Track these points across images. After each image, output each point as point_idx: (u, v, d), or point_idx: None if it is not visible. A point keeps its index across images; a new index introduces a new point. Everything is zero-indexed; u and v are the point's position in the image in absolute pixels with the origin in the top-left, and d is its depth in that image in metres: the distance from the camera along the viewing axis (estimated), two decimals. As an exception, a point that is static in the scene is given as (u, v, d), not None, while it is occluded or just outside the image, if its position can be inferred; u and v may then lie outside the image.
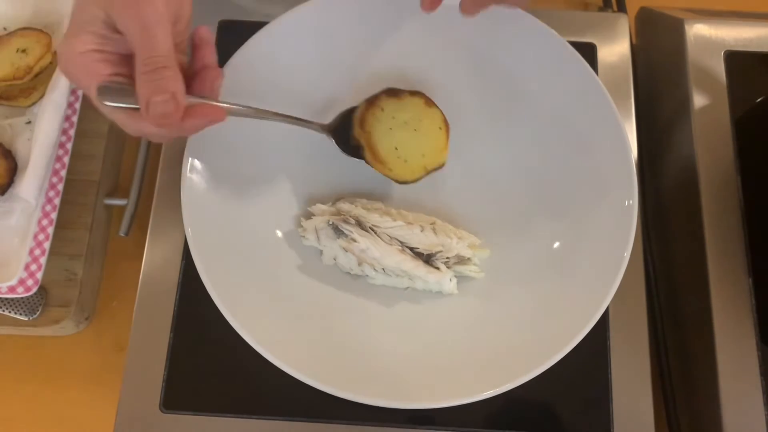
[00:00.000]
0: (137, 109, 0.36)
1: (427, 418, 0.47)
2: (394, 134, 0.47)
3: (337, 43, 0.50)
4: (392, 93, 0.48)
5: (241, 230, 0.47)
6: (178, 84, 0.36)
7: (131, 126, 0.38)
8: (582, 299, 0.44)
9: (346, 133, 0.48)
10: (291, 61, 0.50)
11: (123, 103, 0.37)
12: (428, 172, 0.47)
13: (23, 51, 0.55)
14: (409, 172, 0.47)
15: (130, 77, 0.37)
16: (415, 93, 0.49)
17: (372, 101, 0.48)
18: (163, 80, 0.35)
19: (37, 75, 0.55)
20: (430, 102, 0.48)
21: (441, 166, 0.48)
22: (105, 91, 0.36)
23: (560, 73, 0.49)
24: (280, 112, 0.44)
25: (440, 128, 0.48)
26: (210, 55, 0.41)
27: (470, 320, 0.46)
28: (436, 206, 0.50)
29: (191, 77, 0.40)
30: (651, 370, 0.48)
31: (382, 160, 0.47)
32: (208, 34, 0.41)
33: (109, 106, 0.37)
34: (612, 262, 0.44)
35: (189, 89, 0.38)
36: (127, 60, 0.37)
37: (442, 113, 0.48)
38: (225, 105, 0.40)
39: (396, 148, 0.47)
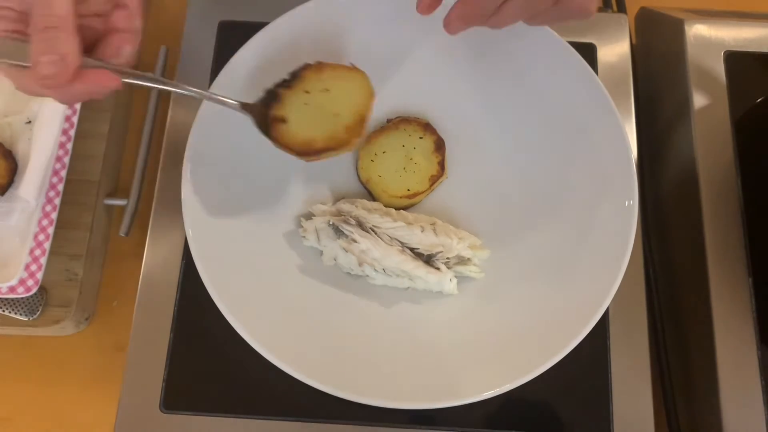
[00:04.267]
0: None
1: (427, 418, 0.47)
2: (402, 177, 0.49)
3: (334, 48, 0.50)
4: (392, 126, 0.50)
5: (241, 230, 0.47)
6: (69, 46, 0.35)
7: (21, 85, 0.37)
8: (582, 299, 0.44)
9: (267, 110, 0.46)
10: (298, 57, 0.50)
11: (12, 59, 0.35)
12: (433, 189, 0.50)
13: None
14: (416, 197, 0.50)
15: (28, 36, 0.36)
16: (404, 121, 0.50)
17: (371, 140, 0.50)
18: (54, 40, 0.34)
19: None
20: (424, 128, 0.50)
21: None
22: None
23: (560, 74, 0.49)
24: (190, 88, 0.42)
25: (433, 152, 0.50)
26: (124, 19, 0.39)
27: (470, 321, 0.46)
28: (436, 207, 0.50)
29: (99, 40, 0.38)
30: (651, 370, 0.48)
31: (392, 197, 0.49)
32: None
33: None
34: (612, 262, 0.44)
35: (93, 52, 0.37)
36: (26, 18, 0.36)
37: (436, 137, 0.50)
38: (127, 72, 0.38)
39: (408, 189, 0.49)
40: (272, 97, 0.43)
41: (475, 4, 0.38)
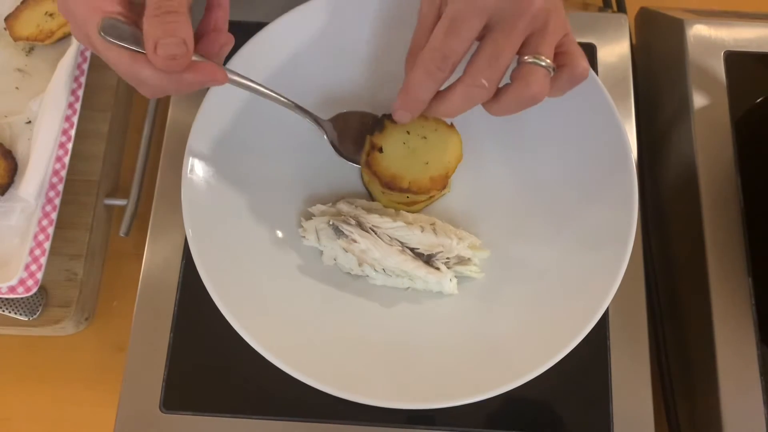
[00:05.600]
0: (139, 53, 0.35)
1: (427, 418, 0.47)
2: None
3: (341, 43, 0.50)
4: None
5: (241, 230, 0.47)
6: (188, 31, 0.35)
7: (129, 68, 0.37)
8: (582, 299, 0.44)
9: (347, 134, 0.48)
10: (297, 58, 0.50)
11: (127, 44, 0.35)
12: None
13: (50, 15, 0.57)
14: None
15: (132, 21, 0.36)
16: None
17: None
18: (175, 24, 0.35)
19: (59, 40, 0.57)
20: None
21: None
22: (110, 27, 0.35)
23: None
24: (282, 96, 0.44)
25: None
26: (223, 18, 0.40)
27: (470, 320, 0.46)
28: (436, 207, 0.50)
29: (199, 37, 0.39)
30: (651, 370, 0.48)
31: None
32: None
33: (111, 43, 0.35)
34: (612, 262, 0.44)
35: (195, 48, 0.37)
36: (130, 4, 0.37)
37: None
38: (228, 71, 0.40)
39: (407, 197, 0.48)
40: (378, 125, 0.46)
41: (411, 95, 0.40)
